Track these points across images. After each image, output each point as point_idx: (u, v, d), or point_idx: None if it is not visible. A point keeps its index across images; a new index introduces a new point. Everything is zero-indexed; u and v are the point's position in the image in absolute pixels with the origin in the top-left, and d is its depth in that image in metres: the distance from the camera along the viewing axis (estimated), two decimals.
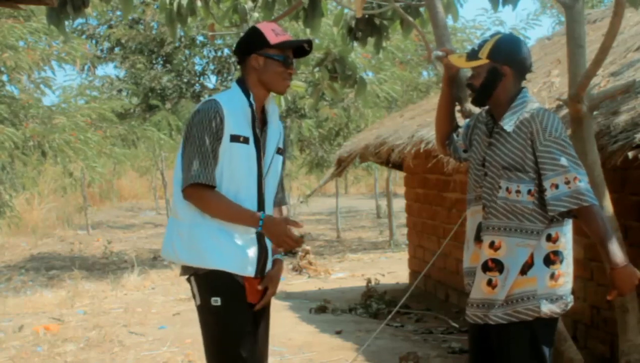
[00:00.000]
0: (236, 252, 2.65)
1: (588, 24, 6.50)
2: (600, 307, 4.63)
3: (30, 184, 14.42)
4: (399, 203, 12.95)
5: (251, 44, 2.75)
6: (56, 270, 11.16)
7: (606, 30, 3.33)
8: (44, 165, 13.17)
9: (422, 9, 4.46)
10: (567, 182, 2.50)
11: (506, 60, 2.65)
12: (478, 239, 2.68)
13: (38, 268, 11.35)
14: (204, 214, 2.64)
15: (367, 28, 4.49)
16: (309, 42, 2.85)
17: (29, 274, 10.89)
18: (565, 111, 4.21)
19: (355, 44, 4.78)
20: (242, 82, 2.77)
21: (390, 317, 5.23)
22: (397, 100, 12.47)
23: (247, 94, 2.74)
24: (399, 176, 18.31)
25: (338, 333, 5.91)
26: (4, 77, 10.22)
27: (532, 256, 2.57)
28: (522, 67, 2.68)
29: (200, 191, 2.62)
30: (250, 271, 2.68)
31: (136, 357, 5.48)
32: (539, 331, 2.60)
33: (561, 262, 2.59)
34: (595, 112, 3.73)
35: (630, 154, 3.50)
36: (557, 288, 2.59)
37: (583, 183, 2.51)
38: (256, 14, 4.60)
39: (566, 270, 2.61)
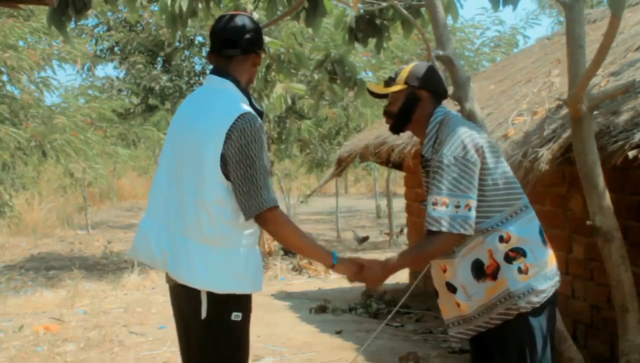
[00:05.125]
0: (260, 272, 2.60)
1: (588, 24, 6.50)
2: (600, 307, 4.63)
3: (30, 184, 14.39)
4: (399, 203, 12.95)
5: (258, 41, 2.63)
6: (56, 270, 11.15)
7: (605, 30, 3.33)
8: (44, 165, 13.16)
9: (423, 10, 4.45)
10: (435, 203, 2.56)
11: (422, 83, 2.71)
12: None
13: (38, 268, 11.34)
14: (245, 238, 2.50)
15: (368, 28, 4.46)
16: None
17: (29, 274, 10.87)
18: (565, 111, 4.21)
19: (356, 44, 4.75)
20: (237, 83, 2.58)
21: (390, 317, 5.23)
22: None
23: (249, 99, 2.58)
24: (398, 176, 18.31)
25: (338, 333, 5.91)
26: (4, 77, 10.22)
27: (494, 260, 2.58)
28: (438, 90, 2.74)
29: (278, 215, 2.48)
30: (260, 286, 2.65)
31: (136, 357, 5.48)
32: (527, 326, 2.60)
33: (524, 255, 2.58)
34: (595, 112, 3.73)
35: (630, 154, 3.50)
36: (530, 279, 2.58)
37: (442, 210, 2.53)
38: (257, 15, 4.59)
39: (534, 262, 2.59)
